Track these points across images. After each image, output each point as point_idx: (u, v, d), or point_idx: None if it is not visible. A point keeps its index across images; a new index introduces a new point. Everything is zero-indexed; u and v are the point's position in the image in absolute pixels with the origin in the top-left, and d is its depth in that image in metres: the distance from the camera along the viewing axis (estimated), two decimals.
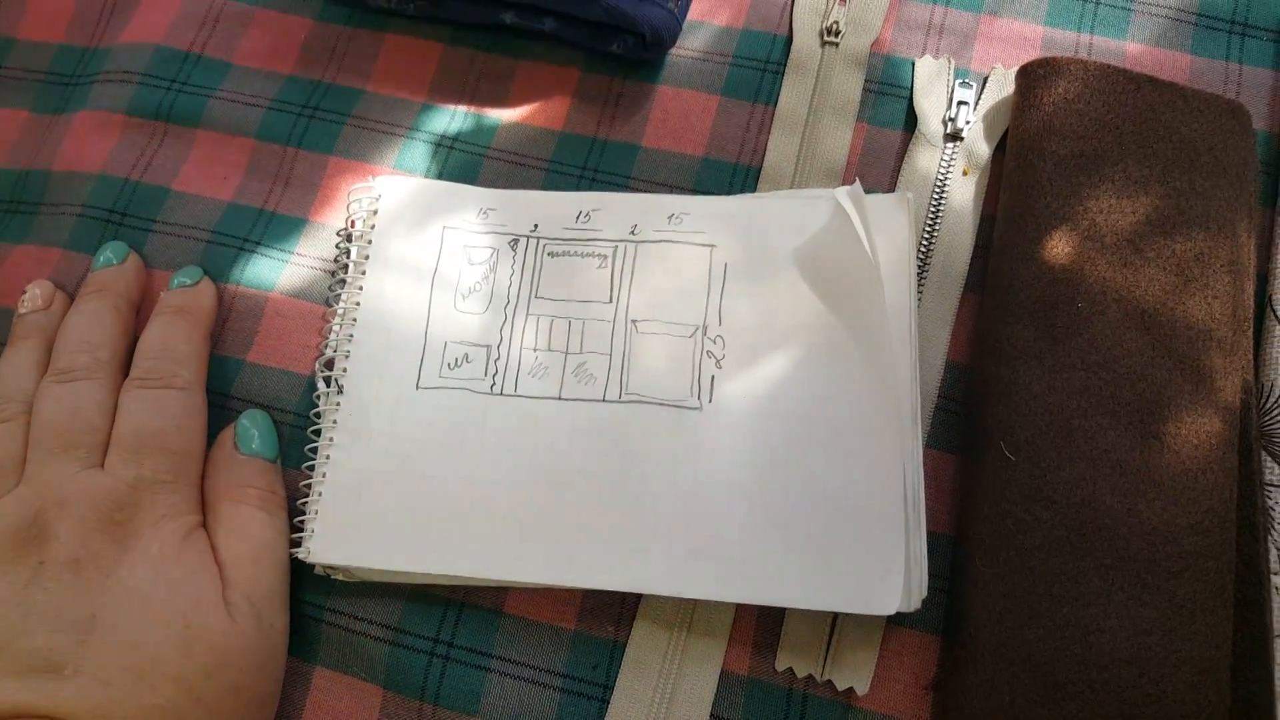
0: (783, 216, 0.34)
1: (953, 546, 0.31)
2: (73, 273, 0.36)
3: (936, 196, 0.36)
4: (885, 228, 0.33)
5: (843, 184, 0.35)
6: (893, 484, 0.29)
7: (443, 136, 0.37)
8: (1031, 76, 0.36)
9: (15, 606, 0.26)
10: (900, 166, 0.36)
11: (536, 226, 0.34)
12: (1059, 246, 0.33)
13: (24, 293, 0.35)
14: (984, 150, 0.36)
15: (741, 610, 0.30)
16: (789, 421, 0.30)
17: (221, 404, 0.34)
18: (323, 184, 0.37)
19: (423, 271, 0.34)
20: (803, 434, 0.30)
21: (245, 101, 0.38)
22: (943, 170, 0.36)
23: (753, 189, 0.35)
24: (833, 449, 0.30)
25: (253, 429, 0.33)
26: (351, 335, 0.33)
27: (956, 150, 0.36)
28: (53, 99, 0.40)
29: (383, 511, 0.30)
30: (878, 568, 0.28)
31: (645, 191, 0.35)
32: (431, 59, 0.39)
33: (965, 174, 0.35)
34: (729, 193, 0.35)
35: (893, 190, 0.35)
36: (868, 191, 0.35)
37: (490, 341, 0.32)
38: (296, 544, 0.31)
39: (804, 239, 0.33)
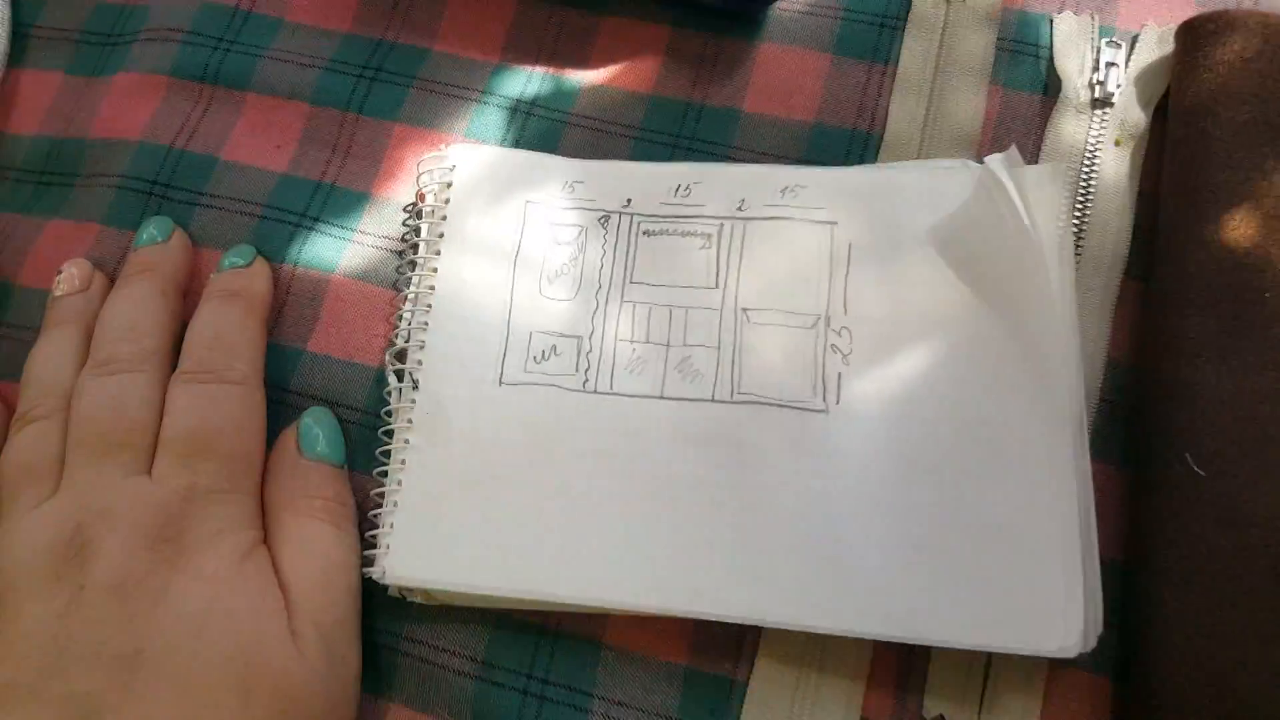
0: (915, 190, 0.30)
1: (1121, 574, 0.27)
2: (112, 251, 0.33)
3: (1086, 171, 0.32)
4: (1038, 204, 0.29)
5: (978, 155, 0.32)
6: (1063, 500, 0.26)
7: (519, 100, 0.34)
8: (1197, 33, 0.32)
9: (50, 640, 0.23)
10: (1043, 136, 0.32)
11: (630, 202, 0.31)
12: (1240, 228, 0.29)
13: (59, 273, 0.32)
14: (1139, 117, 0.32)
15: (881, 646, 0.27)
16: (932, 426, 0.27)
17: (280, 399, 0.31)
18: (387, 154, 0.33)
19: (504, 252, 0.31)
20: (950, 441, 0.27)
21: (300, 62, 0.35)
22: (1092, 141, 0.32)
23: (873, 159, 0.32)
24: (987, 458, 0.27)
25: (317, 429, 0.29)
26: (425, 324, 0.30)
27: (1106, 118, 0.32)
28: (89, 60, 0.37)
29: (466, 524, 0.28)
30: (1048, 600, 0.25)
31: (749, 162, 0.32)
32: (505, 15, 0.35)
33: (1118, 144, 0.32)
34: (846, 164, 0.32)
35: (1035, 163, 0.32)
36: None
37: (581, 332, 0.29)
38: (368, 562, 0.28)
39: (941, 215, 0.30)
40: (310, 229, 0.33)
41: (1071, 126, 0.32)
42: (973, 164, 0.30)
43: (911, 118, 0.33)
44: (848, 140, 0.32)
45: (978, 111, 0.33)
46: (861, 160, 0.32)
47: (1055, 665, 0.27)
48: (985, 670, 0.27)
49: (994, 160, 0.29)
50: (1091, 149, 0.32)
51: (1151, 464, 0.28)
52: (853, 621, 0.26)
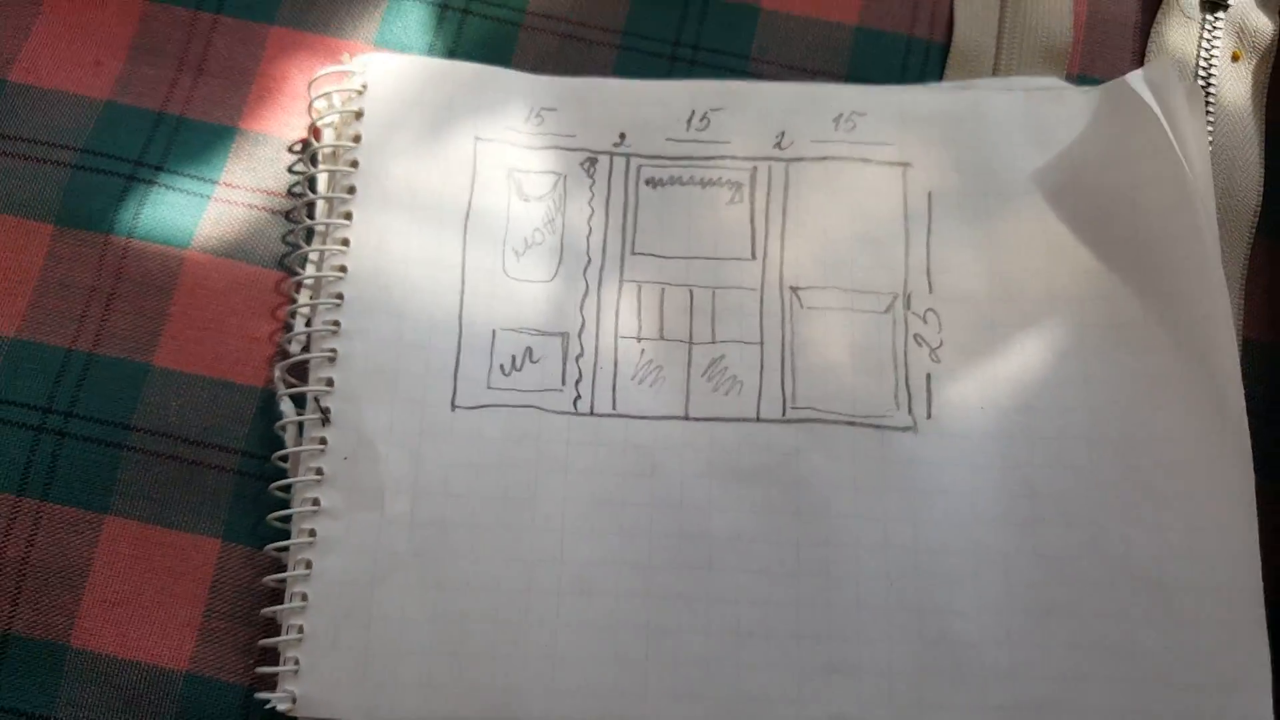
0: (1011, 116, 0.26)
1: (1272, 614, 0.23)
2: None
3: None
4: (1191, 139, 0.24)
5: (1069, 70, 0.28)
6: (1242, 542, 0.22)
7: None
8: None
9: None
10: (1145, 47, 0.28)
11: (624, 137, 0.26)
12: None
13: None
14: (1264, 25, 0.28)
15: None
16: (1059, 446, 0.24)
17: (115, 441, 0.24)
18: (260, 69, 0.28)
19: (447, 212, 0.25)
20: (1085, 466, 0.23)
21: None
22: (1205, 54, 0.28)
23: (937, 76, 0.28)
24: (1138, 489, 0.23)
25: None
26: (336, 324, 0.24)
27: (1219, 24, 0.28)
28: None
29: (412, 624, 0.22)
30: (1228, 673, 0.22)
31: (771, 78, 0.28)
32: None
33: (1236, 59, 0.28)
34: (901, 81, 0.28)
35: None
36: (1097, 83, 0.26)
37: (567, 327, 0.25)
38: (263, 684, 0.22)
39: (1053, 152, 0.25)
40: (150, 183, 0.27)
41: (1179, 35, 0.28)
42: (1075, 87, 0.26)
43: (984, 23, 0.28)
44: (903, 50, 0.28)
45: (1065, 13, 0.28)
46: (922, 78, 0.28)
47: None
48: None
49: (1135, 78, 0.25)
50: (1205, 64, 0.28)
51: None
52: None
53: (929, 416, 0.23)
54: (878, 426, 0.23)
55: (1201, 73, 0.27)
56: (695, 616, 0.22)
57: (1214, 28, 0.28)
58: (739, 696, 0.21)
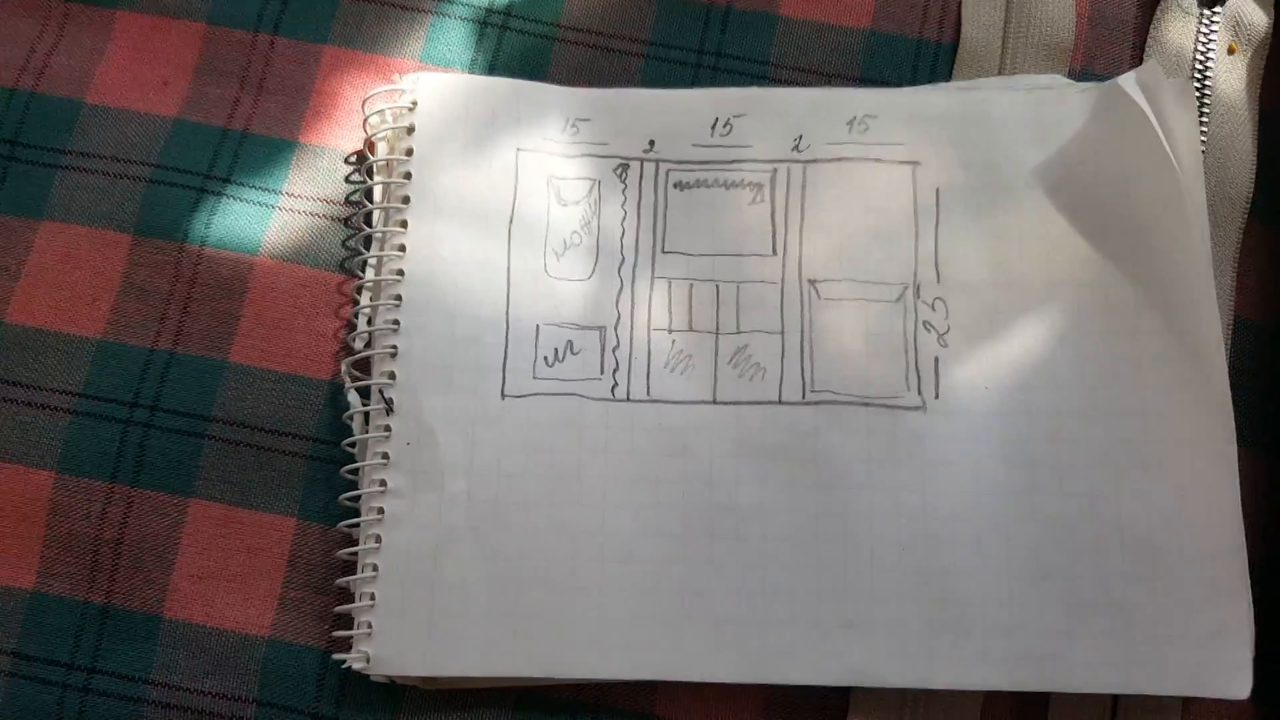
0: (1013, 117, 0.27)
1: (1258, 579, 0.24)
2: None
3: (1196, 85, 0.28)
4: (1179, 134, 0.25)
5: (1072, 66, 0.28)
6: (1225, 507, 0.24)
7: (489, 11, 0.29)
8: None
9: None
10: (1145, 42, 0.29)
11: (653, 144, 0.27)
12: None
13: None
14: (1259, 18, 0.28)
15: (992, 700, 0.24)
16: (1057, 421, 0.24)
17: (196, 431, 0.26)
18: (316, 87, 0.28)
19: (493, 218, 0.26)
20: (1080, 439, 0.24)
21: None
22: (1202, 48, 0.28)
23: (946, 76, 0.28)
24: (1128, 459, 0.24)
25: None
26: (395, 322, 0.25)
27: (1217, 19, 0.28)
28: None
29: (471, 590, 0.24)
30: (1212, 630, 0.23)
31: (789, 83, 0.28)
32: None
33: (1232, 52, 0.28)
34: (912, 82, 0.28)
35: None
36: (1098, 78, 0.27)
37: (603, 321, 0.26)
38: (340, 645, 0.24)
39: (1053, 149, 0.26)
40: (219, 194, 0.28)
41: (1176, 30, 0.29)
42: (1077, 84, 0.27)
43: (990, 22, 0.29)
44: (913, 52, 0.29)
45: (1067, 11, 0.29)
46: (932, 78, 0.29)
47: (1191, 699, 0.24)
48: (1112, 716, 0.24)
49: (1127, 80, 0.26)
50: (1202, 58, 0.28)
51: None
52: (971, 674, 0.23)
53: (936, 396, 0.24)
54: (890, 406, 0.24)
55: (1198, 66, 0.28)
56: (725, 580, 0.23)
57: (1211, 22, 0.28)
58: (766, 650, 0.23)
